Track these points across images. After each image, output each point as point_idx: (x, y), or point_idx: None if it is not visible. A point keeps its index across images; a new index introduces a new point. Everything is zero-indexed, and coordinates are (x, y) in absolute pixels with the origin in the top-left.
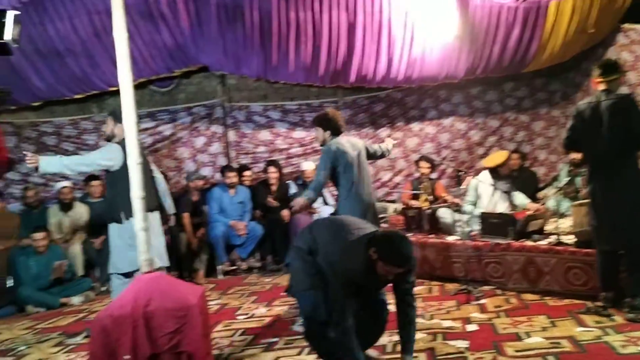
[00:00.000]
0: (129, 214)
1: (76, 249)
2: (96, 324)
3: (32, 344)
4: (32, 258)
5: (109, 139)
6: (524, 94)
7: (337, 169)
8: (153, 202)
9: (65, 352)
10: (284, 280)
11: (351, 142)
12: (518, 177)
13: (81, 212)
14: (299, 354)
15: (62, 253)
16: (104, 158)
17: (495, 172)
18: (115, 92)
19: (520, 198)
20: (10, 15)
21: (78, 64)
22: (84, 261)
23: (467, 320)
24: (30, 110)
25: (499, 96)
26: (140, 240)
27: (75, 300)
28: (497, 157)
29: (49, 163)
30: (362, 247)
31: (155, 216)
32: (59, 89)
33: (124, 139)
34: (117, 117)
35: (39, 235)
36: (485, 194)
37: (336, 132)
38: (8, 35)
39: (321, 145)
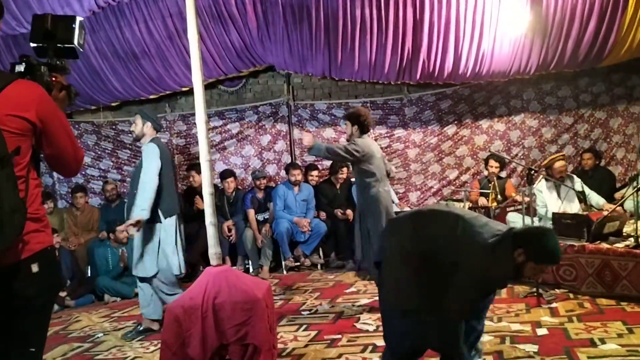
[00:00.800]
0: (169, 212)
1: None
2: (169, 314)
3: (109, 332)
4: (109, 250)
5: (138, 138)
6: (600, 89)
7: (361, 165)
8: (175, 208)
9: (138, 340)
10: (347, 277)
11: (376, 146)
12: (593, 177)
13: None
14: (363, 351)
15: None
16: (154, 166)
17: (549, 174)
18: (187, 92)
19: (595, 198)
20: (77, 21)
21: (153, 65)
22: None
23: (537, 324)
24: (108, 110)
25: (573, 92)
26: (210, 234)
27: None
28: (549, 159)
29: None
30: (507, 248)
31: (173, 222)
32: (135, 90)
33: (156, 137)
34: (146, 116)
35: (120, 227)
36: (547, 196)
37: (364, 130)
38: (76, 39)
39: (347, 140)
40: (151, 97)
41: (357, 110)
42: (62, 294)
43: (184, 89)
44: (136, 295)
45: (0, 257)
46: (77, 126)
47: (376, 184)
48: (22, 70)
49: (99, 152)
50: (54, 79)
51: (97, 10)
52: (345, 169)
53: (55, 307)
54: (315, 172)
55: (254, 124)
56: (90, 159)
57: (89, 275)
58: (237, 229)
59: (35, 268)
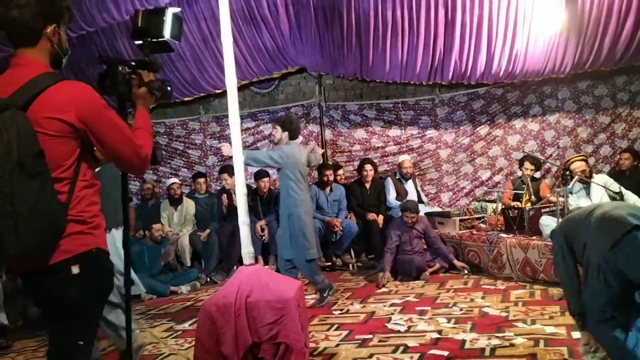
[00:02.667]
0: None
1: (184, 241)
2: (203, 312)
3: (145, 328)
4: (146, 248)
5: (278, 143)
6: (639, 87)
7: (285, 170)
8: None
9: (174, 337)
10: (377, 278)
11: (303, 152)
12: (631, 177)
13: (189, 206)
14: (394, 352)
15: (171, 245)
16: (275, 155)
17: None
18: (220, 94)
19: (632, 199)
20: (169, 13)
21: (187, 68)
22: (191, 253)
23: (572, 327)
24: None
25: (610, 90)
26: (243, 234)
27: (184, 289)
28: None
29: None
30: None
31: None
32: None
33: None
34: (284, 126)
35: (157, 226)
36: (578, 197)
37: (293, 136)
38: (167, 33)
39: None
40: (186, 99)
41: (289, 118)
42: None
43: (217, 91)
44: (172, 293)
45: (40, 258)
46: None
47: (297, 189)
48: (104, 71)
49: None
50: (133, 76)
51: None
52: (369, 167)
53: None
54: (341, 171)
55: None
56: None
57: None
58: (269, 228)
59: (75, 270)
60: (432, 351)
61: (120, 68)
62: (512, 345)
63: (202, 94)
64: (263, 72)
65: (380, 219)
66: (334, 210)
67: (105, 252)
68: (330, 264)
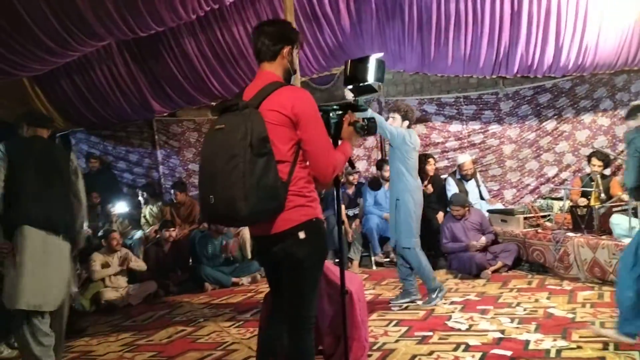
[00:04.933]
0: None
1: (246, 234)
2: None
3: (209, 317)
4: (209, 240)
5: None
6: None
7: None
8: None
9: (236, 327)
10: (438, 275)
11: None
12: None
13: None
14: (455, 350)
15: (232, 237)
16: (394, 131)
17: None
18: None
19: None
20: (373, 60)
21: (249, 66)
22: (252, 245)
23: None
24: (208, 109)
25: None
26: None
27: (245, 280)
28: None
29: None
30: None
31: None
32: (234, 90)
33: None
34: (404, 115)
35: None
36: None
37: (410, 124)
38: (371, 77)
39: None
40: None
41: (408, 106)
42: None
43: None
44: (234, 284)
45: (273, 226)
46: (180, 124)
47: (409, 176)
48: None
49: (200, 148)
50: (344, 117)
51: (201, 14)
52: (432, 161)
53: (161, 292)
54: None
55: None
56: (192, 154)
57: (191, 264)
58: (328, 224)
59: (302, 235)
60: (495, 350)
61: (331, 114)
62: (579, 347)
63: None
64: (324, 69)
65: (441, 215)
66: None
67: (321, 220)
68: (388, 260)
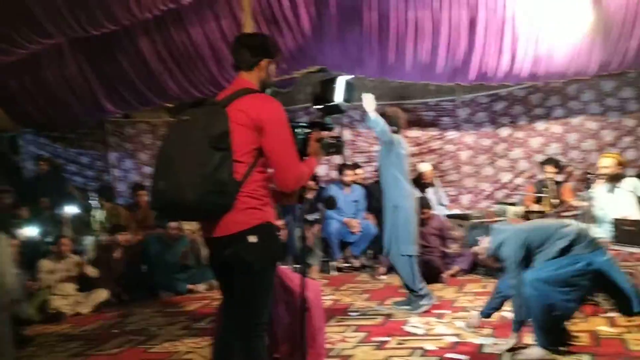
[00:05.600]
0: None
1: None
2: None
3: (162, 326)
4: (165, 246)
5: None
6: None
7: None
8: None
9: (191, 336)
10: (396, 279)
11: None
12: None
13: None
14: (411, 354)
15: (188, 243)
16: (388, 132)
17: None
18: None
19: None
20: (340, 80)
21: (207, 67)
22: None
23: (594, 334)
24: (164, 110)
25: (636, 93)
26: None
27: (201, 287)
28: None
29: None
30: None
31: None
32: (191, 91)
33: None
34: (390, 121)
35: (173, 224)
36: (604, 200)
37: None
38: (339, 98)
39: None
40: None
41: (395, 111)
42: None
43: None
44: (190, 291)
45: (224, 228)
46: (134, 125)
47: (404, 181)
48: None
49: (155, 151)
50: (310, 135)
51: (157, 13)
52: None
53: (112, 300)
54: (360, 171)
55: None
56: (147, 157)
57: (145, 270)
58: (287, 228)
59: (253, 239)
60: (450, 354)
61: (297, 130)
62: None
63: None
64: (284, 72)
65: None
66: (352, 210)
67: (274, 225)
68: (348, 265)
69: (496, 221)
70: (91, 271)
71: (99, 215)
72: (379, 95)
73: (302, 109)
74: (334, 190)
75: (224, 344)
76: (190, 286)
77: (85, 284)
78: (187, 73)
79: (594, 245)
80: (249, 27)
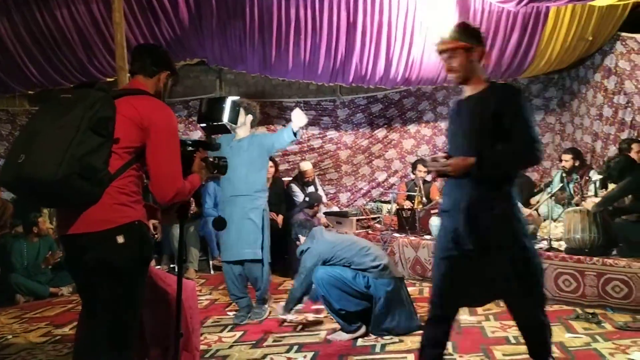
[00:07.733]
0: None
1: None
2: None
3: (19, 333)
4: (24, 246)
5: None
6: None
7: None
8: None
9: (51, 343)
10: (276, 278)
11: None
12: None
13: None
14: (288, 351)
15: (53, 242)
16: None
17: None
18: (111, 82)
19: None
20: (228, 102)
21: (75, 53)
22: None
23: (457, 322)
24: (25, 99)
25: None
26: None
27: (65, 290)
28: None
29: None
30: None
31: None
32: (55, 78)
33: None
34: (249, 109)
35: (41, 219)
36: None
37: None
38: (225, 118)
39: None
40: (72, 86)
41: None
42: None
43: (108, 80)
44: (52, 295)
45: (86, 224)
46: None
47: None
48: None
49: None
50: (195, 154)
51: None
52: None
53: None
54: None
55: (184, 119)
56: (5, 148)
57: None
58: (162, 226)
59: (120, 239)
60: (326, 349)
61: (185, 148)
62: (401, 341)
63: (91, 81)
64: None
65: (280, 218)
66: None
67: (145, 224)
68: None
69: (372, 219)
70: None
71: None
72: (261, 92)
73: (180, 102)
74: (213, 188)
75: (85, 352)
76: (53, 289)
77: None
78: (52, 59)
79: (384, 274)
80: (120, 13)
